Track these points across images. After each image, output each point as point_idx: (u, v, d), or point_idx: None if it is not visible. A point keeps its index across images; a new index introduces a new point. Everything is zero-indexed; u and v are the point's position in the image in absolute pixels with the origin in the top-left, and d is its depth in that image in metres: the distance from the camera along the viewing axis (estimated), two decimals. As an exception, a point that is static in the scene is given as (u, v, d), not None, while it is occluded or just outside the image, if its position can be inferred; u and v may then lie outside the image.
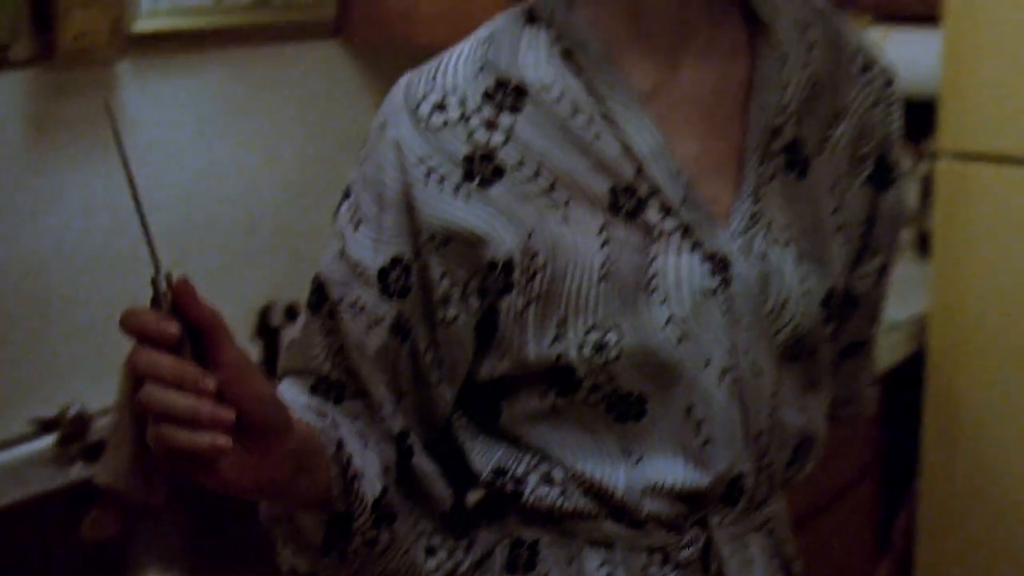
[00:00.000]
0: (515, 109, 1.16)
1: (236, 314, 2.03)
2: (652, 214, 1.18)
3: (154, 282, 0.99)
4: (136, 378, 0.98)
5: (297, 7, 2.33)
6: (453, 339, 1.19)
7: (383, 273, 1.17)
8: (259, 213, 2.33)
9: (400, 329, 1.18)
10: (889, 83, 1.32)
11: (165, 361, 0.97)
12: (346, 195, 1.21)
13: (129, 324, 0.98)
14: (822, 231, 1.25)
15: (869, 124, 1.29)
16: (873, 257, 1.34)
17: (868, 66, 1.30)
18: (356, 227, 1.18)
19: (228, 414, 0.99)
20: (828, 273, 1.26)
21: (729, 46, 1.23)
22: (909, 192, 3.29)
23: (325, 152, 2.41)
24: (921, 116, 2.74)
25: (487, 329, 1.19)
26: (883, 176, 1.32)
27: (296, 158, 2.37)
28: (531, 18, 1.19)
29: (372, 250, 1.17)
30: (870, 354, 1.42)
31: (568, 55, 1.18)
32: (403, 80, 1.20)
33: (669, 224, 1.18)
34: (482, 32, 1.20)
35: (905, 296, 2.87)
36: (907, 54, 3.15)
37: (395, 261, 1.17)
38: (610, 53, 1.18)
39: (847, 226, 1.29)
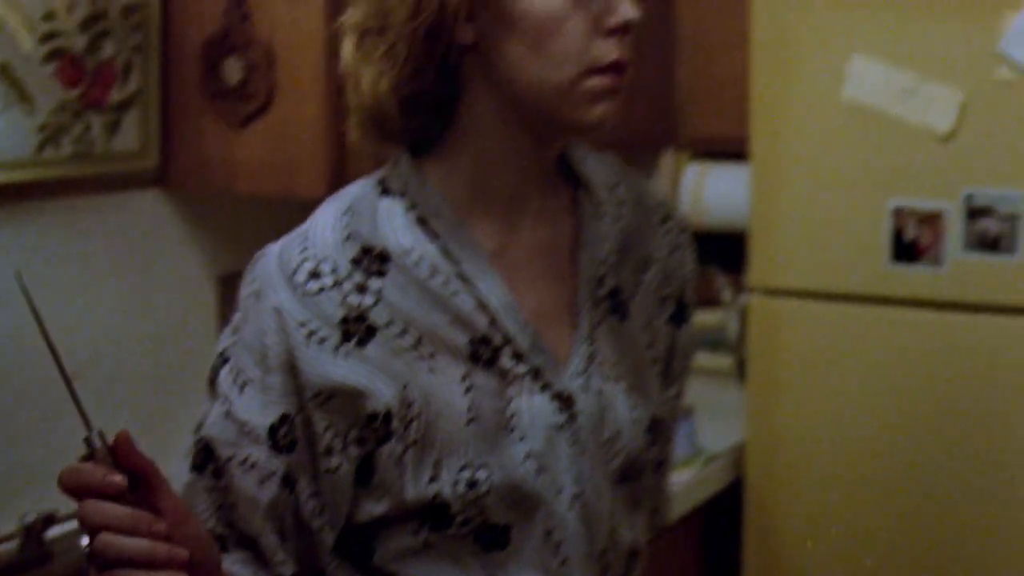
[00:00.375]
0: (381, 273, 1.28)
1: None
2: (506, 361, 1.31)
3: (88, 440, 1.08)
4: (89, 530, 1.06)
5: (119, 158, 2.35)
6: (335, 486, 1.28)
7: (272, 430, 1.26)
8: (79, 363, 2.32)
9: (289, 481, 1.27)
10: (684, 230, 1.50)
11: (118, 511, 1.07)
12: (223, 360, 1.29)
13: (74, 481, 1.07)
14: (642, 366, 1.42)
15: (671, 268, 1.47)
16: (671, 385, 1.51)
17: (667, 217, 1.48)
18: (241, 389, 1.27)
19: (183, 553, 1.09)
20: (650, 403, 1.42)
21: (557, 207, 1.38)
22: (730, 322, 3.40)
23: (147, 300, 2.43)
24: (741, 249, 2.85)
25: (366, 474, 1.29)
26: (681, 314, 1.49)
27: (118, 307, 2.38)
28: (384, 190, 1.32)
29: (260, 410, 1.26)
30: (668, 470, 1.58)
31: (423, 222, 1.30)
32: (272, 251, 1.30)
33: (521, 369, 1.31)
34: (339, 204, 1.32)
35: (728, 424, 2.97)
36: (727, 189, 3.30)
37: (283, 418, 1.26)
38: (460, 219, 1.31)
39: (658, 360, 1.46)
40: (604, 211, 1.40)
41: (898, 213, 2.65)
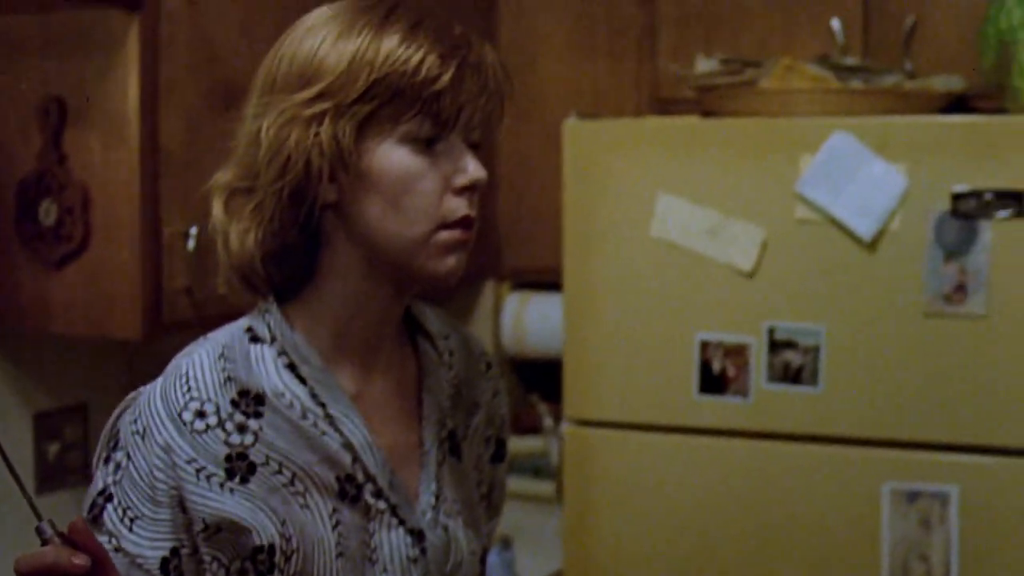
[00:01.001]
0: (258, 415, 1.35)
1: None
2: (368, 497, 1.39)
3: (39, 529, 1.15)
4: None
5: (-70, 298, 2.31)
6: None
7: (164, 563, 1.32)
8: None
9: None
10: (500, 376, 1.63)
11: (69, 552, 1.15)
12: (107, 498, 1.33)
13: (39, 563, 1.14)
14: (473, 502, 1.53)
15: (492, 412, 1.59)
16: (492, 518, 1.63)
17: (489, 365, 1.61)
18: (131, 525, 1.31)
19: None
20: (481, 535, 1.54)
21: (403, 355, 1.48)
22: (551, 449, 3.44)
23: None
24: (560, 377, 2.89)
25: None
26: (500, 452, 1.62)
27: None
28: (254, 337, 1.39)
29: (151, 544, 1.31)
30: None
31: (292, 368, 1.38)
32: (152, 392, 1.35)
33: (381, 505, 1.40)
34: (211, 349, 1.37)
35: (549, 551, 2.99)
36: (547, 318, 3.36)
37: (173, 552, 1.31)
38: (324, 364, 1.39)
39: (484, 496, 1.57)
40: (444, 360, 1.51)
41: (705, 346, 2.73)
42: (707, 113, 2.84)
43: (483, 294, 3.55)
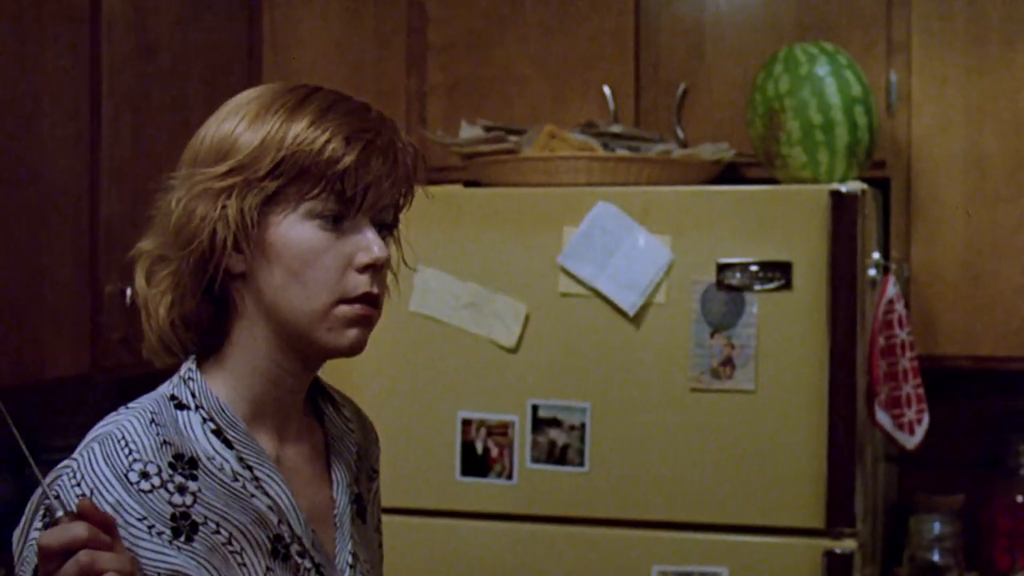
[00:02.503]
0: (193, 477, 1.40)
1: None
2: (296, 556, 1.45)
3: (49, 508, 1.25)
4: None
5: None
6: None
7: None
8: None
9: None
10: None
11: (116, 557, 1.24)
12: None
13: (68, 537, 1.22)
14: (376, 562, 1.61)
15: (378, 482, 1.67)
16: None
17: (376, 436, 1.68)
18: None
19: None
20: None
21: (311, 422, 1.55)
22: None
23: None
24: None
25: None
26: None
27: None
28: (179, 405, 1.44)
29: None
30: None
31: (218, 433, 1.43)
32: (92, 456, 1.38)
33: (307, 564, 1.46)
34: (139, 415, 1.42)
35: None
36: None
37: None
38: (246, 429, 1.44)
39: (381, 558, 1.65)
40: (348, 427, 1.58)
41: (467, 424, 2.62)
42: (471, 183, 2.76)
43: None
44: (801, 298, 2.51)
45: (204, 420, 1.44)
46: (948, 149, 2.94)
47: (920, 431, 2.70)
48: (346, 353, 1.44)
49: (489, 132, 2.76)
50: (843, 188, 2.49)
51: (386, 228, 1.46)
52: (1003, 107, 2.92)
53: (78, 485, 1.36)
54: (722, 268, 2.53)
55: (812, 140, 2.64)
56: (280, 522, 1.44)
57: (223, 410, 1.44)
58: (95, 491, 1.36)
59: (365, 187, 1.41)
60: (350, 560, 1.52)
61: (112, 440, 1.39)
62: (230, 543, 1.41)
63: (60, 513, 1.23)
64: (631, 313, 2.56)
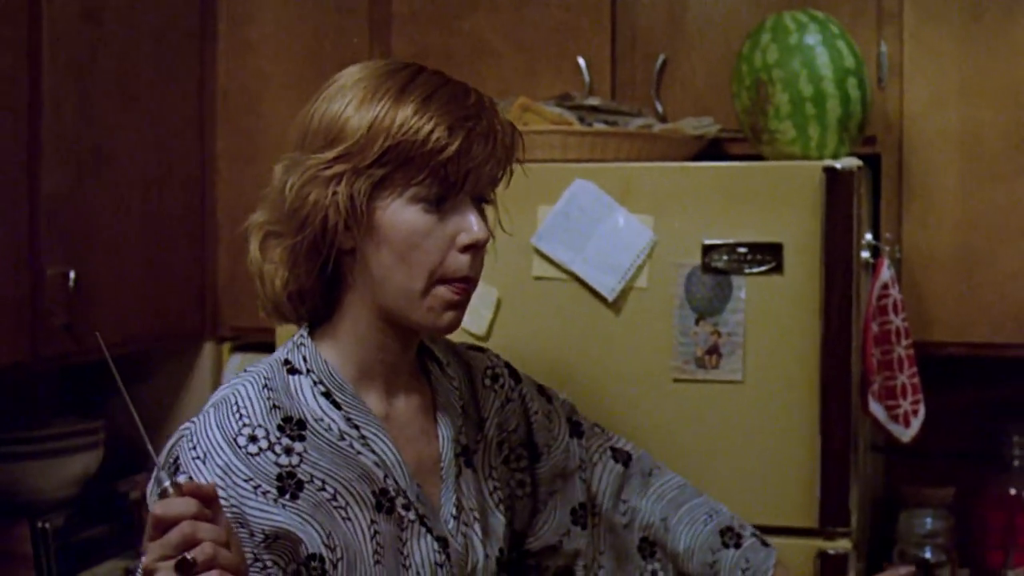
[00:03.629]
0: (301, 438, 1.50)
1: None
2: (400, 509, 1.56)
3: (159, 479, 1.31)
4: (184, 544, 1.27)
5: None
6: None
7: None
8: None
9: None
10: (517, 382, 1.83)
11: (207, 527, 1.28)
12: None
13: (170, 512, 1.28)
14: (487, 510, 1.69)
15: (504, 420, 1.77)
16: (554, 511, 1.85)
17: (495, 378, 1.79)
18: None
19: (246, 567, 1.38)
20: (496, 539, 1.70)
21: (419, 381, 1.66)
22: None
23: None
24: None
25: None
26: (532, 452, 1.82)
27: None
28: (292, 370, 1.56)
29: None
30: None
31: (327, 395, 1.54)
32: (208, 420, 1.49)
33: (411, 516, 1.57)
34: (254, 381, 1.53)
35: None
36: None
37: None
38: (354, 391, 1.56)
39: (503, 500, 1.73)
40: (452, 384, 1.68)
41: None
42: None
43: (201, 355, 3.22)
44: (792, 282, 2.35)
45: (315, 383, 1.55)
46: (942, 125, 2.79)
47: (916, 423, 2.55)
48: (442, 332, 1.56)
49: (459, 105, 2.56)
50: (837, 164, 2.33)
51: (484, 203, 1.57)
52: (1000, 80, 2.76)
53: (194, 448, 1.47)
54: (708, 250, 2.38)
55: (802, 114, 2.48)
56: (386, 477, 1.55)
57: (332, 374, 1.55)
58: (208, 455, 1.46)
59: (466, 172, 1.51)
60: (454, 511, 1.62)
61: (226, 405, 1.50)
62: (335, 499, 1.51)
63: (167, 483, 1.30)
64: (610, 298, 2.40)
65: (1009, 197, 2.76)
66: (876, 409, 2.51)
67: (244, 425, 1.49)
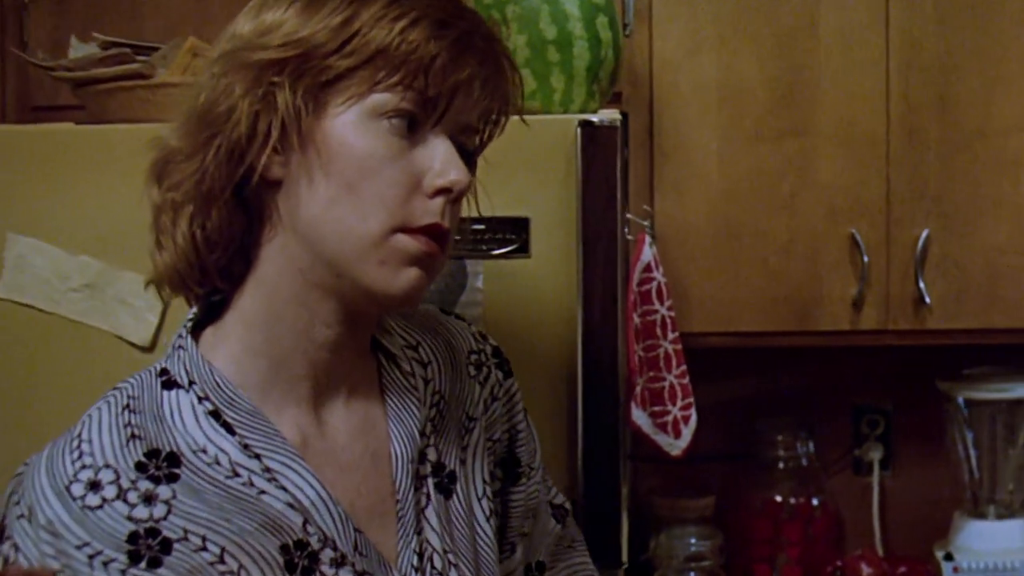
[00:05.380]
0: (171, 478, 1.18)
1: None
2: (327, 568, 1.22)
3: None
4: None
5: None
6: None
7: None
8: None
9: None
10: (507, 375, 1.43)
11: None
12: None
13: None
14: (481, 542, 1.34)
15: (491, 421, 1.40)
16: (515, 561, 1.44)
17: (480, 365, 1.40)
18: None
19: None
20: None
21: (368, 381, 1.30)
22: None
23: None
24: None
25: None
26: (508, 470, 1.42)
27: None
28: (168, 382, 1.23)
29: None
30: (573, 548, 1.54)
31: (216, 416, 1.21)
32: (39, 462, 1.19)
33: (345, 574, 1.22)
34: (115, 400, 1.22)
35: None
36: None
37: None
38: (255, 407, 1.22)
39: (503, 527, 1.41)
40: (412, 381, 1.33)
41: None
42: (88, 120, 2.08)
43: None
44: (543, 265, 1.99)
45: (198, 400, 1.22)
46: (698, 78, 2.49)
47: (687, 433, 2.19)
48: (397, 301, 1.22)
49: (108, 50, 2.08)
50: (595, 119, 1.96)
51: (465, 156, 1.25)
52: (763, 25, 2.46)
53: (18, 503, 1.20)
54: None
55: (544, 60, 2.10)
56: (306, 523, 1.22)
57: (220, 385, 1.23)
58: (32, 511, 1.17)
59: (453, 87, 1.21)
60: (415, 561, 1.28)
61: (65, 439, 1.21)
62: (222, 561, 1.19)
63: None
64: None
65: (775, 161, 2.48)
66: (640, 417, 2.14)
67: (82, 467, 1.17)
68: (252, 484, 1.20)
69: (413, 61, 1.18)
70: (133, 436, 1.20)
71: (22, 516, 1.18)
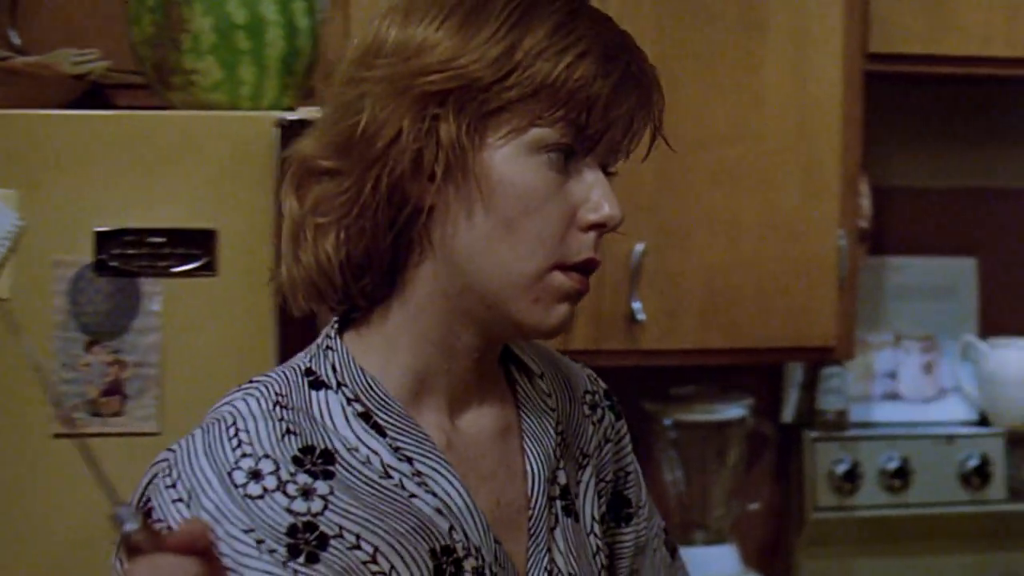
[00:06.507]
0: (327, 475, 1.21)
1: None
2: (469, 574, 1.25)
3: (122, 523, 1.00)
4: None
5: None
6: None
7: None
8: None
9: None
10: (618, 417, 1.46)
11: (197, 566, 1.03)
12: None
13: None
14: (592, 573, 1.37)
15: (602, 462, 1.42)
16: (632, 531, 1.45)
17: (595, 406, 1.43)
18: None
19: None
20: None
21: (497, 393, 1.32)
22: None
23: None
24: None
25: None
26: (617, 512, 1.44)
27: None
28: (316, 383, 1.25)
29: None
30: None
31: (366, 417, 1.24)
32: (193, 447, 1.20)
33: None
34: (262, 395, 1.23)
35: None
36: None
37: None
38: (405, 411, 1.26)
39: (605, 568, 1.40)
40: (547, 401, 1.37)
41: None
42: None
43: None
44: (232, 284, 1.90)
45: (348, 401, 1.23)
46: None
47: None
48: (545, 336, 1.26)
49: None
50: (295, 117, 1.87)
51: (608, 175, 1.25)
52: None
53: (173, 487, 1.18)
54: (103, 241, 1.89)
55: (232, 48, 1.97)
56: (452, 529, 1.23)
57: (372, 387, 1.24)
58: (193, 495, 1.17)
59: (609, 123, 1.21)
60: None
61: (220, 426, 1.19)
62: (375, 561, 1.19)
63: (131, 528, 0.98)
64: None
65: None
66: None
67: (244, 455, 1.19)
68: (403, 487, 1.23)
69: (579, 99, 1.19)
70: (288, 431, 1.21)
71: (179, 500, 1.18)
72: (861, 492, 2.74)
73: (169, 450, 1.22)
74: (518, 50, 1.18)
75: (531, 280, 1.21)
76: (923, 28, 2.51)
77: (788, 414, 2.79)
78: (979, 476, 2.77)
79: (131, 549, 1.00)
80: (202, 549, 1.03)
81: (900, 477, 2.74)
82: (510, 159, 1.20)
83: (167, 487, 1.18)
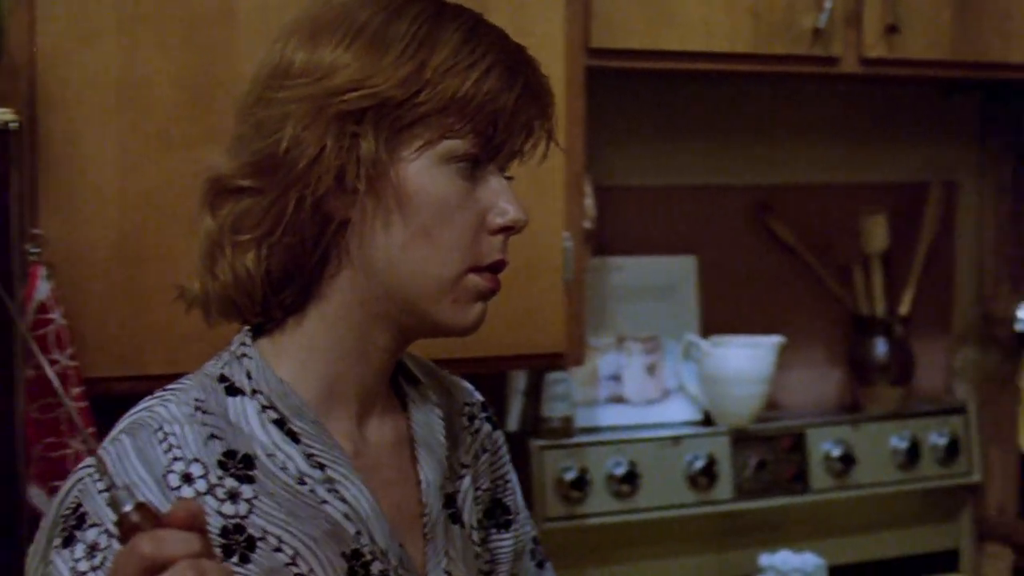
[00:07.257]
0: (248, 479, 1.21)
1: None
2: None
3: (120, 505, 0.99)
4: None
5: None
6: None
7: None
8: None
9: None
10: (495, 428, 1.49)
11: (214, 567, 1.01)
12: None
13: (171, 550, 0.98)
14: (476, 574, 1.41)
15: (479, 472, 1.44)
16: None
17: (472, 417, 1.46)
18: None
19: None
20: None
21: (393, 402, 1.35)
22: None
23: None
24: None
25: None
26: (497, 519, 1.47)
27: None
28: (231, 389, 1.24)
29: None
30: None
31: (281, 424, 1.24)
32: (124, 450, 1.18)
33: None
34: (181, 401, 1.22)
35: None
36: None
37: None
38: (317, 419, 1.25)
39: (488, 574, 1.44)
40: (436, 415, 1.39)
41: None
42: None
43: None
44: None
45: (263, 408, 1.25)
46: (94, 73, 2.02)
47: None
48: (464, 333, 1.30)
49: None
50: None
51: (508, 179, 1.31)
52: (168, 10, 2.06)
53: (103, 492, 1.14)
54: None
55: None
56: (359, 533, 1.26)
57: (286, 395, 1.25)
58: (132, 493, 1.07)
59: (512, 132, 1.27)
60: None
61: (147, 431, 1.19)
62: (295, 563, 1.22)
63: (129, 508, 0.98)
64: None
65: (179, 172, 2.05)
66: (37, 497, 1.69)
67: (175, 459, 1.17)
68: (315, 493, 1.23)
69: (487, 111, 1.23)
70: (212, 436, 1.21)
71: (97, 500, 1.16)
72: (590, 500, 2.62)
73: (95, 455, 1.12)
74: (427, 68, 1.20)
75: (449, 283, 1.24)
76: (643, 23, 2.37)
77: (513, 423, 2.63)
78: (706, 476, 2.69)
79: (127, 530, 0.98)
80: (200, 527, 1.00)
81: (628, 482, 2.63)
82: (424, 171, 1.22)
83: (100, 491, 1.15)
